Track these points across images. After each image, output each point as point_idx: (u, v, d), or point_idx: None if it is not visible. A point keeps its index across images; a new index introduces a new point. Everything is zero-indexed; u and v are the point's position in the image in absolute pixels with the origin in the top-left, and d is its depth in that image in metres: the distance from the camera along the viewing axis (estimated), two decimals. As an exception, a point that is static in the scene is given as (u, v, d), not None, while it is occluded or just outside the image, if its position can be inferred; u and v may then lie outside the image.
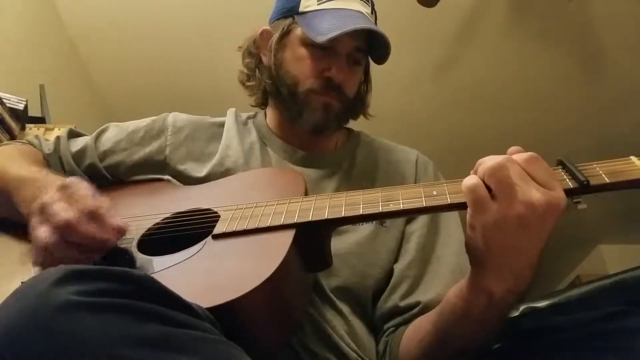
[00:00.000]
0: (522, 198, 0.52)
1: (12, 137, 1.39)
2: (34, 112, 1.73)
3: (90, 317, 0.40)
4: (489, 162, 0.54)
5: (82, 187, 0.64)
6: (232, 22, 2.27)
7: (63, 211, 0.59)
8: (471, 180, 0.54)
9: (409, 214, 0.80)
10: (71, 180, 0.64)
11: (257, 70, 0.96)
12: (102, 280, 0.43)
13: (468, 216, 0.56)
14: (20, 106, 1.50)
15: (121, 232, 0.63)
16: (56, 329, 0.39)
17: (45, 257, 0.60)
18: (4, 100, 1.44)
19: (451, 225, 0.88)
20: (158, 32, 2.38)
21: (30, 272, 0.67)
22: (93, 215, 0.61)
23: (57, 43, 2.32)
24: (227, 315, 0.53)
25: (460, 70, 2.50)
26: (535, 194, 0.52)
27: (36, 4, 2.17)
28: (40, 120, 1.72)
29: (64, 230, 0.59)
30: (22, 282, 0.64)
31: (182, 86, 2.54)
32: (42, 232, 0.60)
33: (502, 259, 0.56)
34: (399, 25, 2.25)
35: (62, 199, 0.61)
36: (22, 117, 1.51)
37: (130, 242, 0.71)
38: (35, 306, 0.40)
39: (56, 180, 0.68)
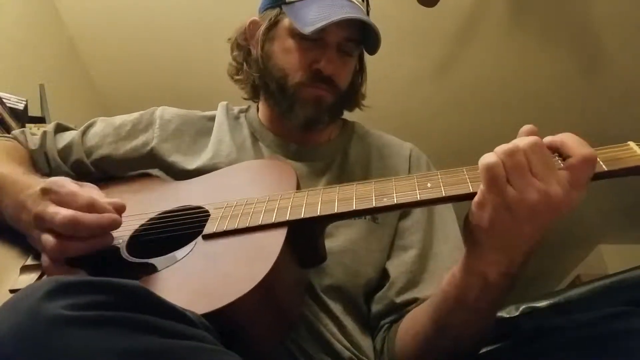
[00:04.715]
0: (540, 187, 0.51)
1: (12, 137, 1.39)
2: (34, 112, 1.72)
3: (82, 332, 0.39)
4: (512, 143, 0.53)
5: (66, 184, 0.63)
6: (233, 22, 2.26)
7: (60, 212, 0.59)
8: (490, 158, 0.52)
9: (404, 208, 0.78)
10: (51, 181, 0.64)
11: (245, 64, 0.93)
12: (93, 292, 0.42)
13: (479, 193, 0.54)
14: (20, 106, 1.50)
15: (120, 209, 0.63)
16: (47, 345, 0.38)
17: (57, 261, 0.60)
18: (4, 100, 1.44)
19: (447, 221, 0.86)
20: (158, 32, 2.38)
21: (16, 276, 0.67)
22: (91, 206, 0.61)
23: (57, 43, 2.32)
24: (221, 320, 0.52)
25: (460, 70, 2.49)
26: (554, 187, 0.51)
27: (36, 4, 2.17)
28: (40, 120, 1.72)
29: (69, 228, 0.59)
30: (9, 290, 0.64)
31: (182, 86, 2.54)
32: (47, 238, 0.60)
33: (502, 241, 0.55)
34: (399, 25, 2.26)
35: (52, 202, 0.61)
36: (22, 117, 1.51)
37: (119, 244, 0.70)
38: (25, 322, 0.39)
39: (34, 183, 0.68)
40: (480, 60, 2.46)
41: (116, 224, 0.62)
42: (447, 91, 2.59)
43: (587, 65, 2.45)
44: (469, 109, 2.67)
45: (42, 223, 0.61)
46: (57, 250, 0.60)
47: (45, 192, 0.63)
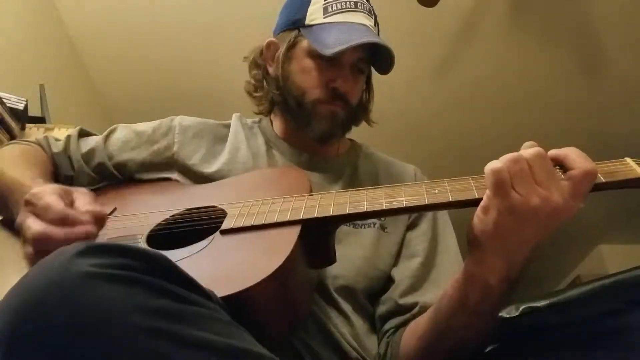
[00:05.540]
0: (542, 193, 0.54)
1: (12, 137, 1.39)
2: (34, 112, 1.73)
3: (109, 286, 0.42)
4: (517, 152, 0.56)
5: (46, 195, 0.65)
6: (232, 22, 2.27)
7: (32, 226, 0.62)
8: (496, 164, 0.56)
9: (412, 211, 0.83)
10: (36, 191, 0.66)
11: (264, 82, 0.98)
12: (119, 255, 0.45)
13: (485, 198, 0.58)
14: (20, 106, 1.50)
15: (98, 218, 0.65)
16: (77, 296, 0.41)
17: None
18: (4, 100, 1.44)
19: (448, 235, 0.91)
20: (158, 32, 2.38)
21: None
22: (63, 219, 0.62)
23: (57, 43, 2.32)
24: (233, 305, 0.54)
25: (460, 70, 2.50)
26: (555, 195, 0.54)
27: (36, 4, 2.17)
28: (40, 120, 1.72)
29: (39, 243, 0.61)
30: None
31: (182, 86, 2.54)
32: (26, 251, 0.62)
33: (504, 244, 0.58)
34: (399, 25, 2.26)
35: (31, 213, 0.64)
36: (22, 117, 1.51)
37: (139, 237, 0.73)
38: (58, 275, 0.43)
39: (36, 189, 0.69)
40: (480, 60, 2.46)
41: (88, 236, 0.63)
42: (447, 91, 2.59)
43: (587, 65, 2.45)
44: (469, 109, 2.67)
45: (23, 234, 0.64)
46: (31, 262, 0.62)
47: (27, 203, 0.65)
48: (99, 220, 0.65)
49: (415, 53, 2.41)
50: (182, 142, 0.94)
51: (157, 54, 2.46)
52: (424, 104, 2.65)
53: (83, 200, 0.67)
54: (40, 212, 0.63)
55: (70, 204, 0.66)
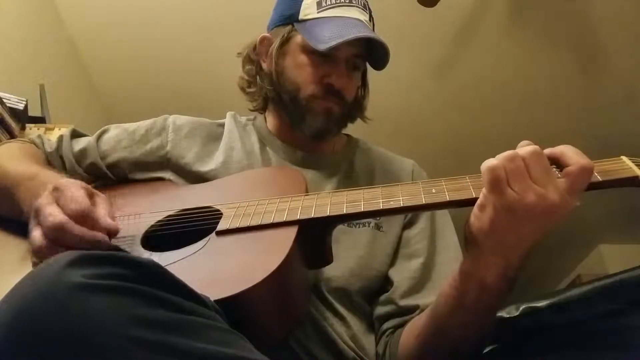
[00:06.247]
0: (538, 191, 0.54)
1: (12, 137, 1.39)
2: (34, 112, 1.72)
3: (102, 298, 0.42)
4: (513, 150, 0.56)
5: (73, 188, 0.64)
6: (232, 22, 2.27)
7: (53, 214, 0.60)
8: (492, 161, 0.56)
9: (409, 211, 0.83)
10: (64, 181, 0.65)
11: (257, 77, 0.97)
12: (111, 265, 0.45)
13: (481, 196, 0.58)
14: (20, 106, 1.50)
15: (112, 232, 0.63)
16: (70, 307, 0.41)
17: (40, 259, 0.61)
18: (4, 100, 1.44)
19: (448, 232, 0.90)
20: (158, 32, 2.38)
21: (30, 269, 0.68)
22: (84, 217, 0.61)
23: (57, 43, 2.32)
24: (231, 308, 0.53)
25: (460, 70, 2.50)
26: (552, 192, 0.54)
27: (36, 3, 2.17)
28: (40, 120, 1.72)
29: (55, 233, 0.59)
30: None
31: (181, 86, 2.54)
32: (36, 235, 0.61)
33: (500, 242, 0.57)
34: (399, 25, 2.26)
35: (53, 202, 0.62)
36: (22, 117, 1.51)
37: (133, 238, 0.72)
38: (50, 286, 0.42)
39: (52, 179, 0.69)
40: (480, 60, 2.46)
41: (101, 246, 0.61)
42: (447, 91, 2.59)
43: (587, 66, 2.45)
44: (469, 109, 2.67)
45: (37, 218, 0.62)
46: (38, 250, 0.60)
47: (54, 189, 0.64)
48: (112, 234, 0.63)
49: (415, 53, 2.40)
50: (175, 141, 0.93)
51: (157, 54, 2.46)
52: (424, 104, 2.65)
53: (105, 206, 0.65)
54: (64, 202, 0.61)
55: (93, 204, 0.64)
